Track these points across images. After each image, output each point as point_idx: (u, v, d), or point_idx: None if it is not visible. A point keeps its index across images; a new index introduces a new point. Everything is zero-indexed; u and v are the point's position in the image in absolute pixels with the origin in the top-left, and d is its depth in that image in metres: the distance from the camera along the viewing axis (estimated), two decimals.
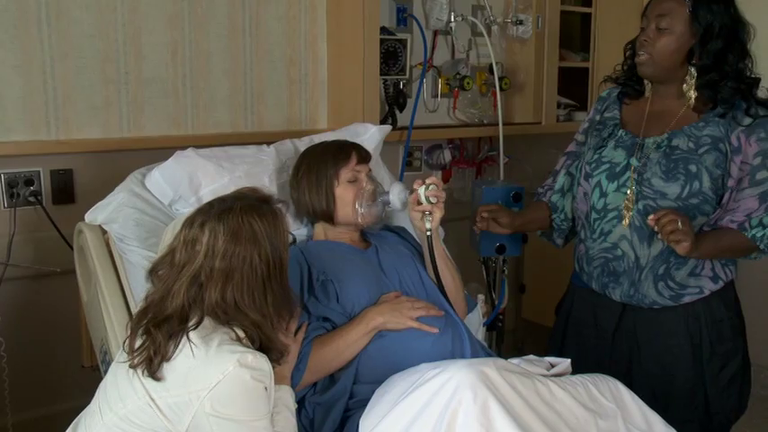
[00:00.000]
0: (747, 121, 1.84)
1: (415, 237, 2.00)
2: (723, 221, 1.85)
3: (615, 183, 1.92)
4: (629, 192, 1.89)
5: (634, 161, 1.90)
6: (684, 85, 1.88)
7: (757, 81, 1.88)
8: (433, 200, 1.78)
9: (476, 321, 2.11)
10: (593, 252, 1.99)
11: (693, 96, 1.88)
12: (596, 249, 1.97)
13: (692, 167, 1.84)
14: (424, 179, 1.80)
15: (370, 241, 1.95)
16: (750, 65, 1.87)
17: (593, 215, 1.97)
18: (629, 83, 2.00)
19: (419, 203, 1.80)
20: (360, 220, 1.89)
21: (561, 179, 2.14)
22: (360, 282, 1.78)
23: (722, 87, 1.84)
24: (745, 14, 1.88)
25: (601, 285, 1.99)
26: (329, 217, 1.90)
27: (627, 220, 1.89)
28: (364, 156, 1.95)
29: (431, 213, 1.79)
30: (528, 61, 3.19)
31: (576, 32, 3.43)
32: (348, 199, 1.88)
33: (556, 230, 2.18)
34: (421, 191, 1.78)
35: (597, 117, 2.08)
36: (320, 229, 1.95)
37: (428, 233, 1.80)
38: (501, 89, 3.01)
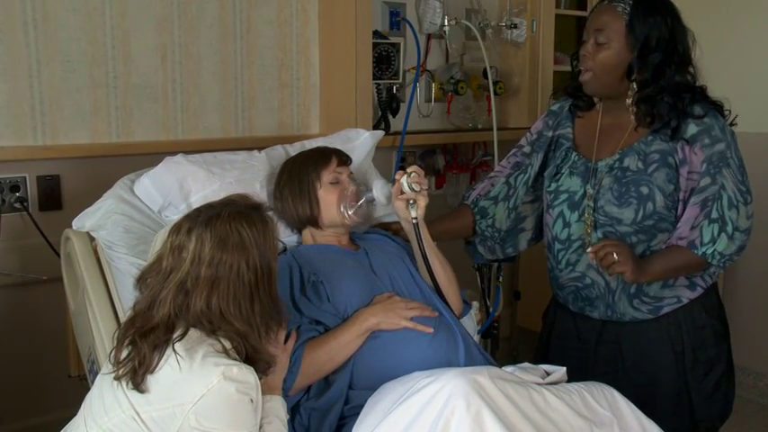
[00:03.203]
0: (691, 131, 1.81)
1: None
2: (671, 238, 1.83)
3: (576, 212, 1.92)
4: (587, 220, 1.89)
5: (589, 188, 1.89)
6: (627, 100, 1.86)
7: (700, 90, 1.85)
8: (416, 187, 1.76)
9: (470, 328, 2.09)
10: (562, 281, 1.99)
11: (633, 111, 1.85)
12: (565, 279, 1.98)
13: (644, 189, 1.83)
14: (405, 168, 1.78)
15: (359, 244, 1.93)
16: (693, 72, 1.84)
17: (557, 246, 1.96)
18: (579, 94, 1.97)
19: (402, 193, 1.77)
20: (347, 221, 1.87)
21: (499, 187, 2.09)
22: (351, 282, 1.76)
23: (659, 102, 1.82)
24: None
25: (578, 308, 2.00)
26: (315, 221, 1.89)
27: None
28: (344, 159, 1.94)
29: (415, 201, 1.77)
30: (522, 65, 3.19)
31: (571, 36, 3.41)
32: (331, 201, 1.86)
33: (479, 236, 2.12)
34: (403, 180, 1.76)
35: (549, 133, 2.05)
36: (308, 235, 1.93)
37: (414, 221, 1.77)
38: (495, 93, 3.00)
